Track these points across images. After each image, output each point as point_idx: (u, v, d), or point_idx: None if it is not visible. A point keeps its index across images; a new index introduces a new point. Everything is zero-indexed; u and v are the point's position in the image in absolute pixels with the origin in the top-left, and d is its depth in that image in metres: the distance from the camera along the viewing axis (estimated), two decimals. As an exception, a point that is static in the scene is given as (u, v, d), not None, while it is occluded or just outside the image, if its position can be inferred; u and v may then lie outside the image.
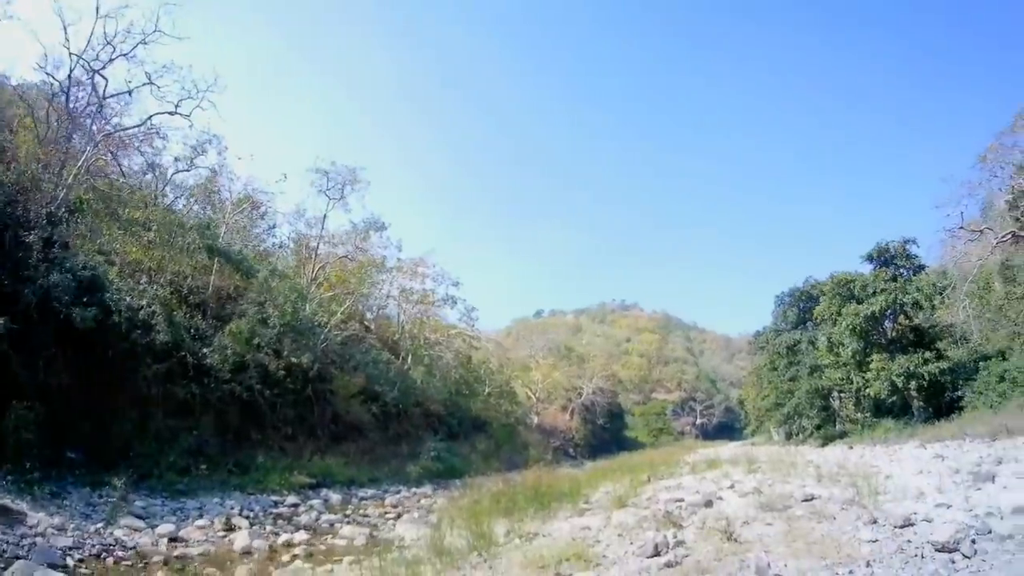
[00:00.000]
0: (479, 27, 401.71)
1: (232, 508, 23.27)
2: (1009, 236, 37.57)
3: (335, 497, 29.60)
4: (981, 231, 39.72)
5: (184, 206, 45.31)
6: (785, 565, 9.97)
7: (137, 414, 27.08)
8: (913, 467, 21.27)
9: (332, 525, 21.82)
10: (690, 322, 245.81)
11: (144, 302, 28.63)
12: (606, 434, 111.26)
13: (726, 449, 58.51)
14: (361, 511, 26.30)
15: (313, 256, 52.04)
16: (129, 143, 40.01)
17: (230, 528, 19.64)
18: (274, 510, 24.45)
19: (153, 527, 18.67)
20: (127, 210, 34.57)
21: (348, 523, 22.54)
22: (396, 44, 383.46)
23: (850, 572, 9.40)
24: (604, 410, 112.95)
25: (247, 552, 17.05)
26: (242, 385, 32.85)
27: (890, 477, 18.19)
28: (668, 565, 10.66)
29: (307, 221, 52.98)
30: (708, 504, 16.35)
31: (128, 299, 27.71)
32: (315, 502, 27.06)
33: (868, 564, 9.70)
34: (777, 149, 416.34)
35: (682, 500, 17.47)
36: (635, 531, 13.69)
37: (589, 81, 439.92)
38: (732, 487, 19.93)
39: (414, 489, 35.49)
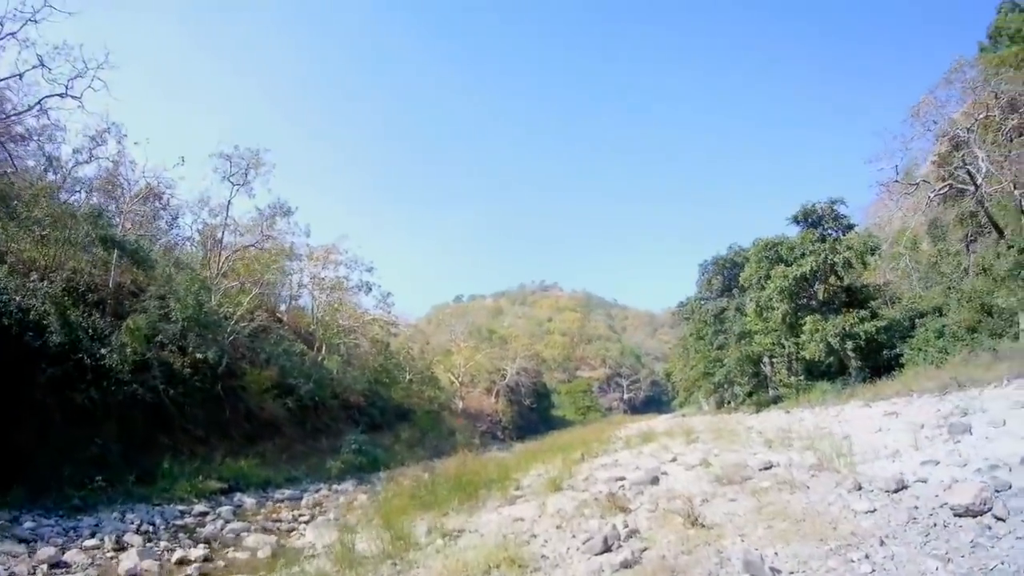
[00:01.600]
0: (384, 12, 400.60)
1: (132, 523, 20.97)
2: (946, 188, 36.63)
3: (249, 501, 27.42)
4: (917, 184, 38.63)
5: (84, 199, 42.74)
6: (776, 554, 8.23)
7: (35, 424, 24.62)
8: (868, 426, 20.29)
9: (238, 535, 19.69)
10: (611, 300, 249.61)
11: (35, 302, 26.33)
12: (533, 415, 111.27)
13: (657, 422, 56.95)
14: (274, 515, 24.28)
15: (219, 246, 49.75)
16: (27, 136, 39.00)
17: (122, 547, 17.45)
18: (178, 521, 22.12)
19: (33, 552, 16.45)
20: (23, 207, 32.32)
21: (255, 531, 20.50)
22: (300, 30, 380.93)
23: (865, 556, 7.67)
24: (530, 390, 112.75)
25: (133, 575, 15.03)
26: (145, 386, 30.22)
27: (848, 438, 16.65)
28: (625, 565, 8.82)
29: (211, 210, 50.42)
30: (654, 481, 14.79)
31: (18, 299, 25.62)
32: (225, 509, 24.87)
33: (882, 542, 8.02)
34: (694, 116, 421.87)
35: (623, 479, 16.07)
36: (576, 520, 12.02)
37: (496, 63, 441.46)
38: (675, 460, 18.56)
39: (335, 486, 33.41)
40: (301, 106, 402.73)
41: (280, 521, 22.94)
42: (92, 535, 18.72)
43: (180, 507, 24.63)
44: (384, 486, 22.09)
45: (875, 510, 9.36)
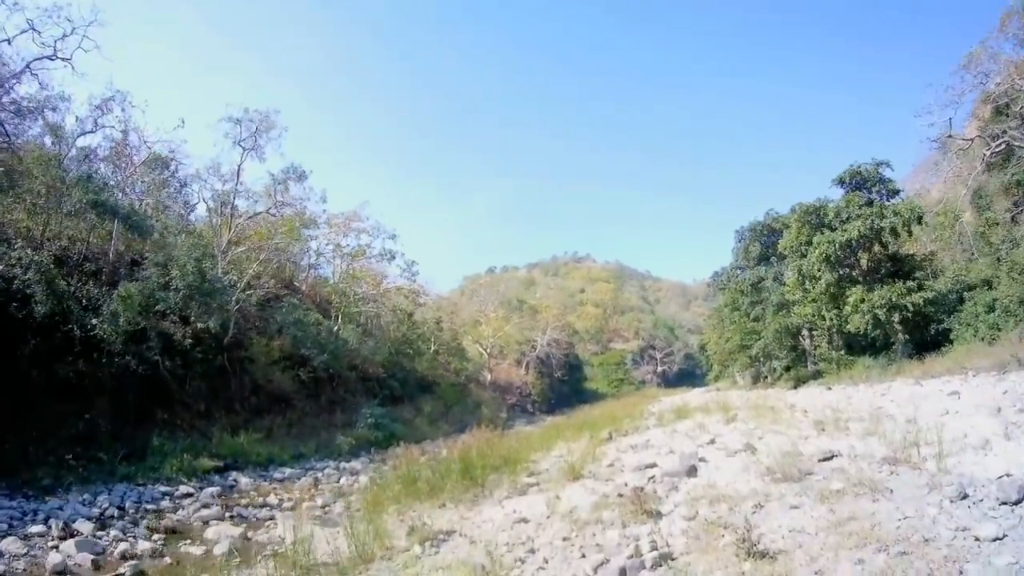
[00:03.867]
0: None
1: (99, 506, 19.12)
2: (1003, 147, 33.70)
3: (244, 481, 25.43)
4: (971, 140, 35.70)
5: (91, 170, 39.39)
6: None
7: (13, 398, 22.81)
8: (932, 407, 17.28)
9: (206, 523, 17.49)
10: (644, 271, 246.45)
11: (18, 271, 24.78)
12: (565, 387, 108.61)
13: (691, 396, 55.09)
14: (260, 499, 22.05)
15: (230, 213, 47.59)
16: (33, 109, 37.09)
17: (70, 534, 15.32)
18: (151, 505, 20.03)
19: (-33, 540, 14.38)
20: (23, 178, 31.23)
21: (227, 520, 18.30)
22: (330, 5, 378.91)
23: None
24: (561, 362, 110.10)
25: (60, 572, 12.85)
26: (140, 358, 28.27)
27: (913, 421, 13.91)
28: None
29: (222, 176, 48.13)
30: (691, 471, 12.10)
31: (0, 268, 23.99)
32: (210, 491, 22.73)
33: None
34: (729, 82, 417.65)
35: (654, 466, 13.66)
36: (590, 529, 9.52)
37: (534, 30, 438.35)
38: (713, 442, 16.07)
39: (343, 464, 31.37)
40: (326, 80, 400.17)
41: (265, 506, 20.71)
42: (45, 520, 16.84)
43: (164, 488, 22.83)
44: (388, 467, 19.60)
45: (1005, 536, 6.66)
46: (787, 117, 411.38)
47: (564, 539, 9.16)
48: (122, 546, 14.55)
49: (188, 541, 15.47)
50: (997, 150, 34.51)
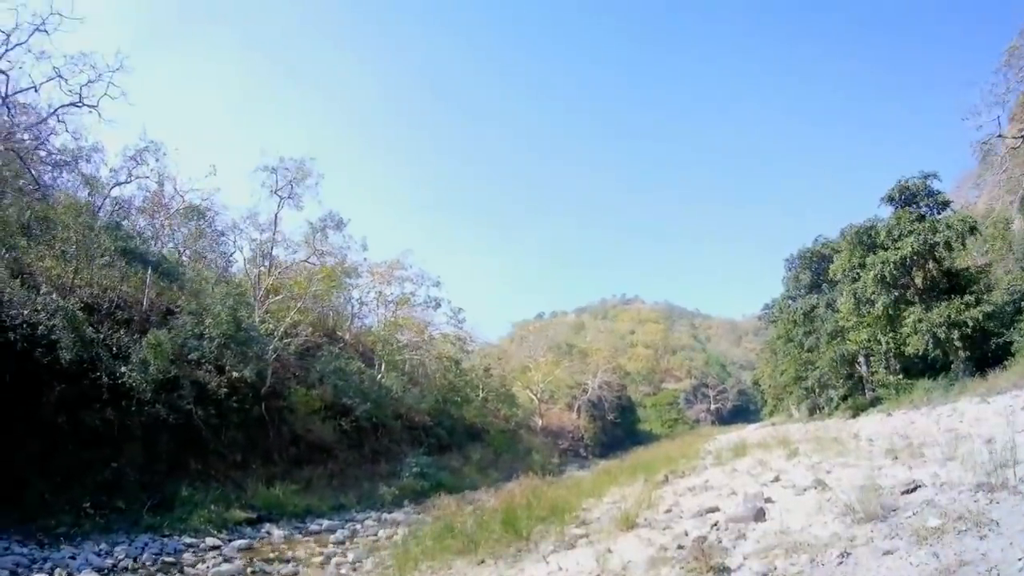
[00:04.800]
0: (455, 23, 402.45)
1: (114, 556, 18.25)
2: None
3: (277, 533, 24.20)
4: (1022, 138, 34.24)
5: (128, 223, 40.56)
6: None
7: (38, 445, 22.15)
8: (1007, 424, 15.62)
9: (222, 582, 16.15)
10: (693, 310, 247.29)
11: (43, 316, 24.00)
12: (618, 430, 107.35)
13: (747, 432, 53.66)
14: (290, 552, 20.79)
15: (268, 262, 47.18)
16: (61, 161, 38.41)
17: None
18: (169, 557, 18.99)
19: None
20: (57, 228, 31.06)
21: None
22: (361, 43, 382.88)
23: None
24: (613, 405, 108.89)
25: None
26: (172, 407, 27.39)
27: (992, 441, 12.44)
28: None
29: (260, 226, 47.63)
30: (758, 516, 10.52)
31: (25, 313, 23.49)
32: (238, 543, 21.69)
33: None
34: (771, 115, 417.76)
35: (716, 510, 12.19)
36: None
37: (568, 69, 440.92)
38: (777, 480, 14.60)
39: (384, 515, 29.98)
40: (368, 123, 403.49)
41: (291, 560, 19.33)
42: (52, 569, 16.03)
43: (189, 539, 21.74)
44: (426, 519, 18.35)
45: None
46: (830, 142, 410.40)
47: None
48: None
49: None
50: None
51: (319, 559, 19.11)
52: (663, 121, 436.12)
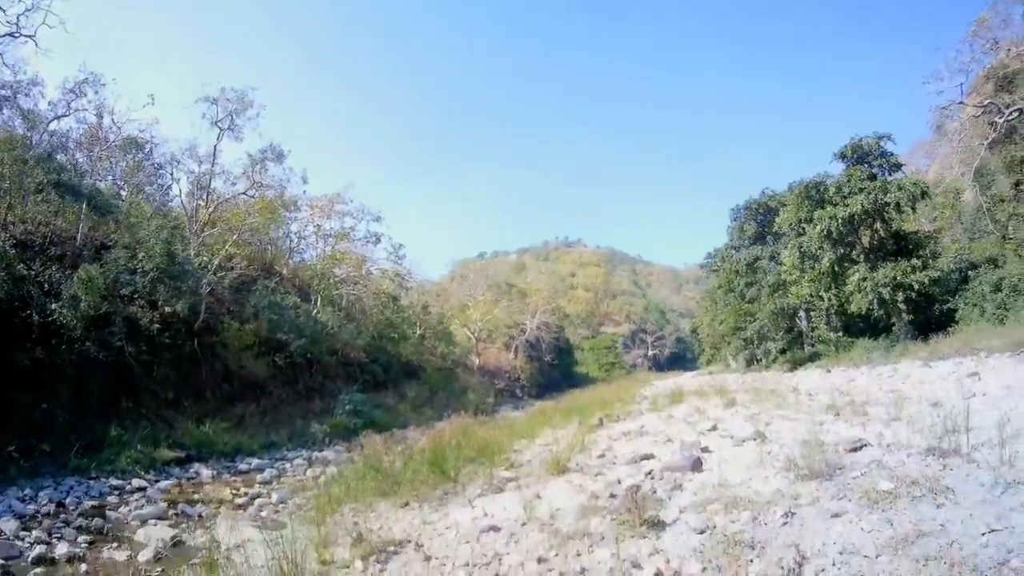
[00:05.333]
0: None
1: (42, 502, 17.64)
2: (1016, 115, 32.21)
3: (206, 473, 23.70)
4: (985, 106, 34.09)
5: (66, 157, 39.36)
6: None
7: None
8: (954, 390, 15.84)
9: (144, 523, 15.60)
10: (635, 255, 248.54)
11: None
12: (555, 371, 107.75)
13: (684, 379, 54.07)
14: (215, 493, 20.22)
15: (206, 195, 46.31)
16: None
17: (-10, 535, 13.72)
18: (94, 501, 18.36)
19: None
20: None
21: (164, 519, 16.32)
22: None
23: None
24: (551, 346, 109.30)
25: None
26: (103, 344, 26.83)
27: (938, 405, 12.66)
28: None
29: (199, 158, 46.49)
30: (696, 465, 10.24)
31: None
32: (165, 484, 21.29)
33: None
34: (723, 65, 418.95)
35: (651, 457, 12.00)
36: (575, 543, 7.70)
37: (531, 28, 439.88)
38: (715, 429, 14.54)
39: (316, 453, 29.51)
40: (317, 54, 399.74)
41: (215, 501, 18.74)
42: None
43: (117, 481, 21.25)
44: (355, 458, 17.82)
45: None
46: (780, 101, 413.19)
47: (540, 561, 7.34)
48: (39, 549, 12.85)
49: (115, 544, 13.70)
50: (1009, 119, 32.90)
51: (243, 499, 18.74)
52: (615, 75, 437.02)
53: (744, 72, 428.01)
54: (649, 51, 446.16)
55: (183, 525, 15.10)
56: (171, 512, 16.98)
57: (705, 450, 11.73)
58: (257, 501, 17.90)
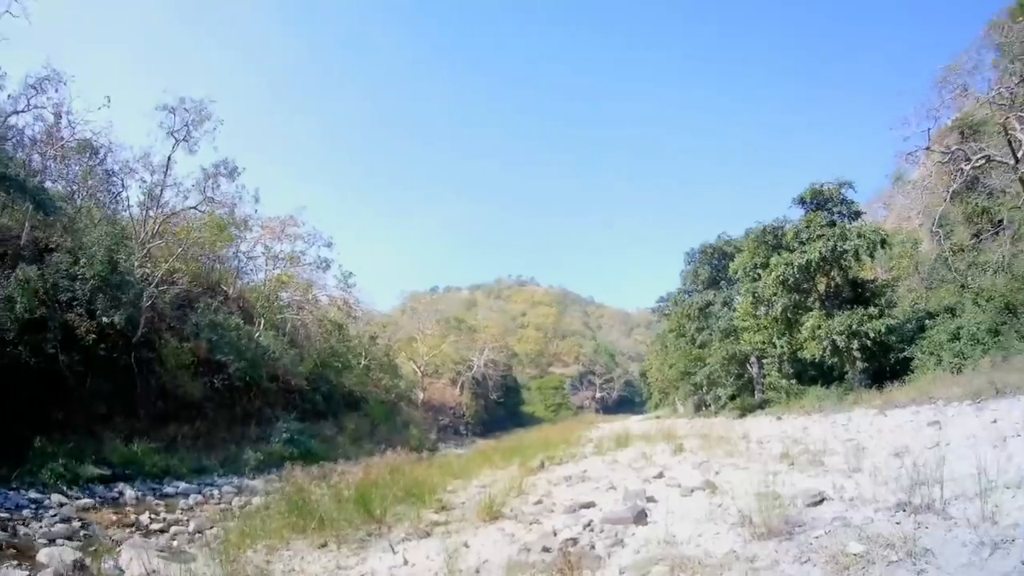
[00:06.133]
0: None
1: None
2: (983, 160, 32.16)
3: (129, 494, 22.74)
4: (952, 152, 33.99)
5: (23, 154, 39.15)
6: None
7: None
8: (916, 439, 15.45)
9: (52, 542, 14.83)
10: (587, 297, 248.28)
11: None
12: (501, 410, 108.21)
13: (632, 422, 54.84)
14: (135, 516, 19.16)
15: (156, 206, 45.00)
16: None
17: None
18: (4, 513, 17.37)
19: None
20: None
21: (72, 540, 15.46)
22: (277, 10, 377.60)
23: None
24: (498, 384, 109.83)
25: None
26: (35, 351, 25.86)
27: (901, 455, 12.19)
28: None
29: (152, 167, 45.29)
30: (639, 518, 9.63)
31: None
32: (84, 502, 20.36)
33: None
34: (682, 112, 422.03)
35: (592, 506, 11.40)
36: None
37: (487, 53, 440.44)
38: (662, 476, 13.94)
39: (246, 482, 28.58)
40: (278, 79, 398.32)
41: (131, 526, 17.82)
42: None
43: (37, 494, 20.31)
44: (286, 488, 17.01)
45: None
46: (741, 146, 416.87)
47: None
48: None
49: (16, 563, 12.83)
50: (976, 165, 32.85)
51: (160, 525, 17.85)
52: (574, 113, 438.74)
53: (705, 117, 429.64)
54: (610, 89, 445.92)
55: (91, 548, 14.28)
56: (83, 533, 16.16)
57: (651, 500, 11.19)
58: (173, 528, 17.03)
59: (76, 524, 16.96)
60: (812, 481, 10.88)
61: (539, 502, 12.78)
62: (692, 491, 11.48)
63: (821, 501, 8.92)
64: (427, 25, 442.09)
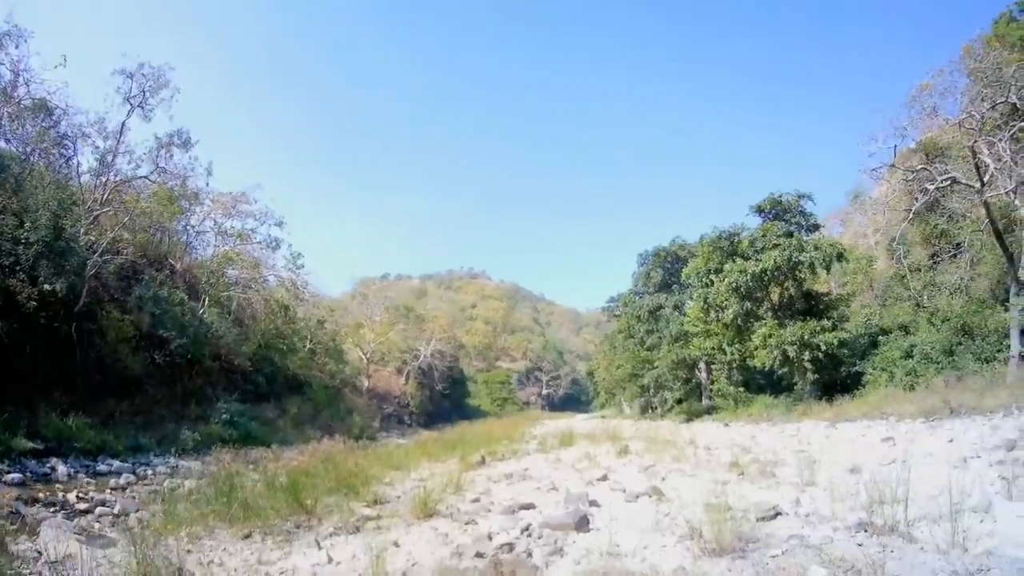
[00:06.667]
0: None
1: None
2: (949, 182, 32.16)
3: (62, 470, 21.89)
4: (916, 171, 33.96)
5: None
6: None
7: None
8: (870, 455, 15.49)
9: (-18, 521, 14.13)
10: (538, 293, 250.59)
11: None
12: (446, 401, 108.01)
13: (577, 421, 55.10)
14: (62, 494, 18.25)
15: (107, 172, 43.93)
16: None
17: None
18: (-76, 492, 16.58)
19: None
20: None
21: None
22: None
23: None
24: (444, 375, 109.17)
25: None
26: None
27: (857, 471, 12.30)
28: None
29: (105, 133, 44.04)
30: (581, 524, 9.35)
31: None
32: (13, 476, 19.56)
33: None
34: (642, 115, 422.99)
35: (532, 507, 11.14)
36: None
37: (442, 44, 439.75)
38: (606, 479, 13.86)
39: (182, 463, 27.40)
40: (238, 52, 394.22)
41: (55, 505, 16.91)
42: None
43: None
44: (219, 473, 16.45)
45: None
46: (701, 149, 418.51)
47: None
48: None
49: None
50: (941, 185, 32.85)
51: (86, 505, 16.97)
52: (540, 110, 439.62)
53: (666, 118, 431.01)
54: (569, 87, 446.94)
55: (10, 527, 13.71)
56: (7, 510, 15.48)
57: (594, 504, 10.97)
58: (98, 509, 16.20)
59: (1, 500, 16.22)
60: (764, 493, 10.75)
61: (477, 500, 12.52)
62: (638, 497, 11.31)
63: (775, 516, 8.68)
64: (388, 16, 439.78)
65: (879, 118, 40.41)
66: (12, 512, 15.17)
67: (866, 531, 7.30)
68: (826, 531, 7.63)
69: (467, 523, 10.36)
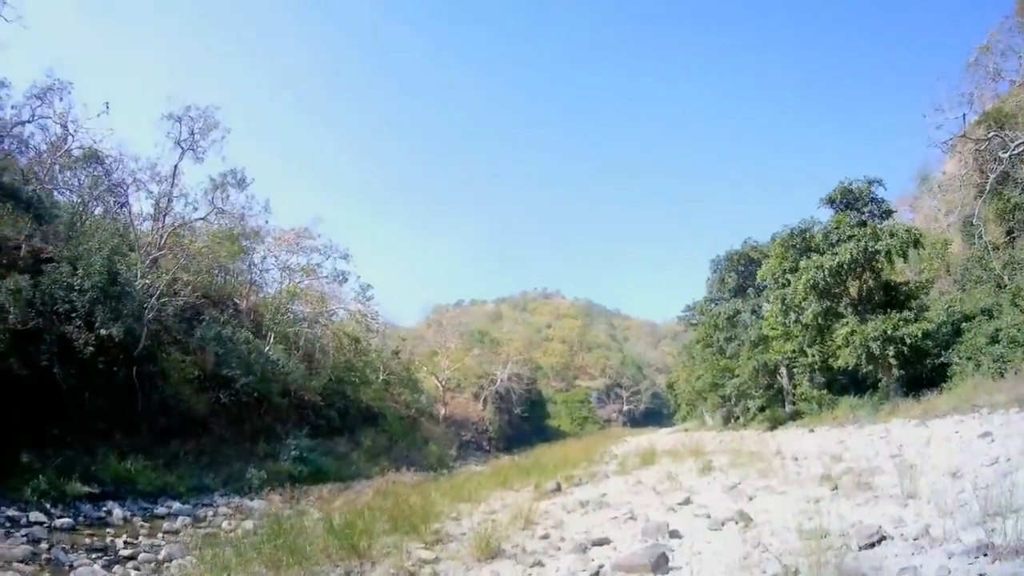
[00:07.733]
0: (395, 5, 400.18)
1: None
2: (1022, 148, 30.50)
3: (118, 513, 21.46)
4: (988, 138, 32.33)
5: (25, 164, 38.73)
6: None
7: None
8: (969, 455, 13.74)
9: (8, 564, 13.51)
10: (613, 308, 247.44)
11: None
12: (525, 424, 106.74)
13: (659, 436, 53.90)
14: (111, 539, 17.81)
15: (162, 217, 44.15)
16: None
17: None
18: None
19: None
20: None
21: (29, 563, 14.09)
22: (304, 14, 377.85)
23: None
24: (522, 398, 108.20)
25: None
26: (27, 363, 24.94)
27: (959, 476, 10.70)
28: None
29: (158, 178, 44.58)
30: (659, 565, 7.86)
31: None
32: (64, 521, 19.11)
33: None
34: (710, 119, 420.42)
35: (606, 543, 9.91)
36: None
37: (511, 66, 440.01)
38: (689, 503, 12.45)
39: (247, 502, 26.91)
40: (298, 85, 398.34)
41: (100, 550, 16.29)
42: None
43: (15, 512, 19.10)
44: (286, 512, 15.58)
45: None
46: (765, 151, 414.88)
47: None
48: None
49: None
50: (1015, 152, 31.14)
51: (131, 551, 16.28)
52: (607, 123, 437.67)
53: (729, 121, 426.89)
54: (635, 97, 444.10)
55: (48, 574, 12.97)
56: (45, 557, 14.79)
57: (674, 535, 9.68)
58: (141, 556, 15.46)
59: (44, 546, 15.81)
60: (863, 511, 9.35)
61: (546, 536, 11.29)
62: (723, 524, 10.02)
63: (880, 540, 7.25)
64: (452, 38, 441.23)
65: (943, 87, 38.85)
66: (49, 559, 14.48)
67: (986, 555, 5.96)
68: (940, 558, 6.23)
69: (532, 565, 9.26)
